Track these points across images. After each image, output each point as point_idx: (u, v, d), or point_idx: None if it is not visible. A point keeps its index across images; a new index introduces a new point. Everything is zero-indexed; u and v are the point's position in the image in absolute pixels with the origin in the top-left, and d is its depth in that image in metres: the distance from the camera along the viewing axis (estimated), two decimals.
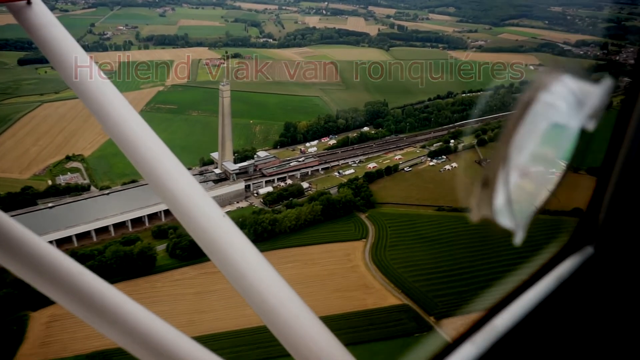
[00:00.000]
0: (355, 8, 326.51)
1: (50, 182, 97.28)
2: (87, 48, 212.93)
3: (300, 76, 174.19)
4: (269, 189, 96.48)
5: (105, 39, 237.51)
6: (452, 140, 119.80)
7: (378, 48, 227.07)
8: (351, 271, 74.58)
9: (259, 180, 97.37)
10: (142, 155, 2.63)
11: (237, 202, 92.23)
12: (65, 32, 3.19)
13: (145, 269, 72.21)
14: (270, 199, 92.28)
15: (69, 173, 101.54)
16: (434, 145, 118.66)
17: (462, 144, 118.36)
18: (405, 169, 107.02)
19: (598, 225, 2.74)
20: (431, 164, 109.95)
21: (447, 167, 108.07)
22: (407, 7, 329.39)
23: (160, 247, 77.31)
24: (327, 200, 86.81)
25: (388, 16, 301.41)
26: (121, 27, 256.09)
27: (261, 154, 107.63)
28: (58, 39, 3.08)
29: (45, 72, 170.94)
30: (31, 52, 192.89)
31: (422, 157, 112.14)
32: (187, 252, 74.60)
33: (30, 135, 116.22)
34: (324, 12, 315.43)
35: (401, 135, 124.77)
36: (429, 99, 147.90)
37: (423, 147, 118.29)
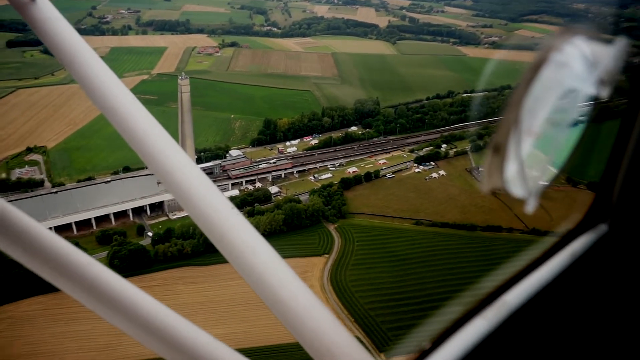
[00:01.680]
0: None
1: (4, 176, 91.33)
2: (83, 31, 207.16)
3: (296, 68, 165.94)
4: (235, 192, 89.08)
5: (104, 22, 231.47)
6: (444, 145, 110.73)
7: (385, 41, 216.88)
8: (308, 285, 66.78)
9: (225, 183, 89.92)
10: (150, 151, 2.51)
11: None
12: (70, 27, 3.05)
13: None
14: (235, 204, 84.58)
15: (26, 166, 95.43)
16: (424, 149, 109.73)
17: (455, 150, 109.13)
18: (387, 175, 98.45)
19: (612, 203, 2.70)
20: (417, 170, 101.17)
21: (434, 174, 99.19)
22: None
23: (101, 255, 70.54)
24: (291, 210, 78.99)
25: (401, 7, 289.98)
26: (122, 11, 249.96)
27: (234, 152, 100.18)
28: (63, 34, 2.99)
29: (32, 55, 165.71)
30: (22, 35, 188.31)
31: (408, 163, 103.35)
32: (126, 262, 67.98)
33: None
34: (335, 1, 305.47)
35: (390, 137, 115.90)
36: (427, 98, 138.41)
37: (412, 151, 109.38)
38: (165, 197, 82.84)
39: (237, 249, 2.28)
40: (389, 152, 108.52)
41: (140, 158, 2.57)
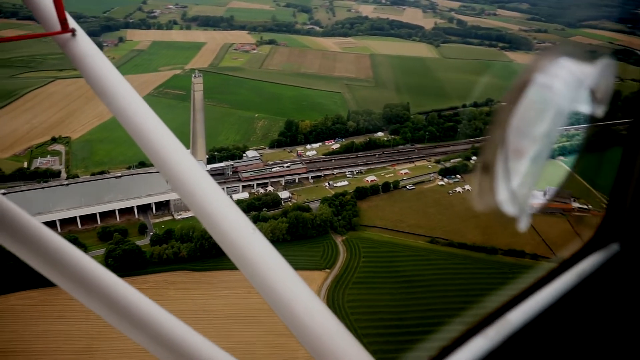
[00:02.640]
0: None
1: (25, 164, 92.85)
2: (131, 25, 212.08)
3: (330, 68, 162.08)
4: (244, 195, 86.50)
5: (152, 17, 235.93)
6: (474, 157, 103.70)
7: (428, 43, 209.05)
8: None
9: (235, 185, 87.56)
10: (178, 176, 2.77)
11: None
12: (107, 61, 3.32)
13: None
14: (240, 207, 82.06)
15: (48, 156, 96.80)
16: (451, 160, 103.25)
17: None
18: (407, 186, 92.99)
19: (624, 221, 2.62)
20: (440, 183, 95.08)
21: (458, 189, 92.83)
22: (475, 0, 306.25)
23: (98, 252, 69.57)
24: (296, 218, 75.38)
25: (451, 9, 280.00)
26: (170, 6, 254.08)
27: (250, 153, 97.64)
28: (101, 69, 3.24)
29: None
30: None
31: (432, 175, 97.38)
32: (120, 262, 66.56)
33: (28, 113, 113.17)
34: (383, 0, 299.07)
35: (417, 146, 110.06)
36: (463, 106, 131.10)
37: (438, 162, 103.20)
38: (172, 196, 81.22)
39: (256, 269, 2.36)
40: (413, 162, 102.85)
41: (169, 181, 2.78)
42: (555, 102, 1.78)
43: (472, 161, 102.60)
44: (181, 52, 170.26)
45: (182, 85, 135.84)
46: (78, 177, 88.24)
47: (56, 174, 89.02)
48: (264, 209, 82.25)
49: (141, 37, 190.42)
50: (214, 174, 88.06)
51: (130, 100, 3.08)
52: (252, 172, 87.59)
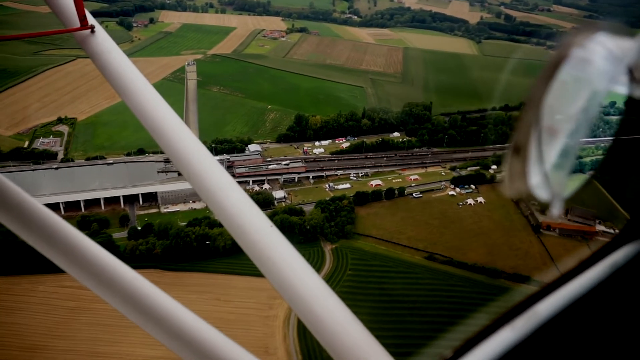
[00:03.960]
0: None
1: (26, 144, 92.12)
2: (167, 6, 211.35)
3: (358, 61, 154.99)
4: None
5: None
6: (493, 166, 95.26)
7: (469, 39, 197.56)
8: (262, 322, 58.45)
9: None
10: (193, 169, 2.81)
11: (192, 202, 79.29)
12: (126, 58, 3.32)
13: (32, 266, 62.12)
14: None
15: (51, 136, 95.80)
16: (468, 168, 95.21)
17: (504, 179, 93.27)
18: (414, 194, 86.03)
19: None
20: (451, 193, 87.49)
21: (470, 201, 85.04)
22: None
23: None
24: (282, 222, 70.33)
25: (501, 3, 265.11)
26: None
27: (252, 147, 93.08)
28: (119, 66, 3.26)
29: (107, 26, 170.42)
30: (108, 6, 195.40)
31: (443, 183, 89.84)
32: None
33: (42, 90, 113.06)
34: None
35: (434, 150, 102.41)
36: (493, 108, 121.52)
37: (453, 169, 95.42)
38: (159, 188, 78.04)
39: (274, 265, 2.40)
40: (425, 167, 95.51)
41: (186, 178, 2.83)
42: (592, 84, 1.67)
43: (491, 170, 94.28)
44: (209, 36, 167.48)
45: (201, 70, 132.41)
46: (72, 160, 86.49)
47: (53, 156, 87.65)
48: None
49: (173, 19, 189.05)
50: None
51: (148, 97, 3.07)
52: (247, 168, 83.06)
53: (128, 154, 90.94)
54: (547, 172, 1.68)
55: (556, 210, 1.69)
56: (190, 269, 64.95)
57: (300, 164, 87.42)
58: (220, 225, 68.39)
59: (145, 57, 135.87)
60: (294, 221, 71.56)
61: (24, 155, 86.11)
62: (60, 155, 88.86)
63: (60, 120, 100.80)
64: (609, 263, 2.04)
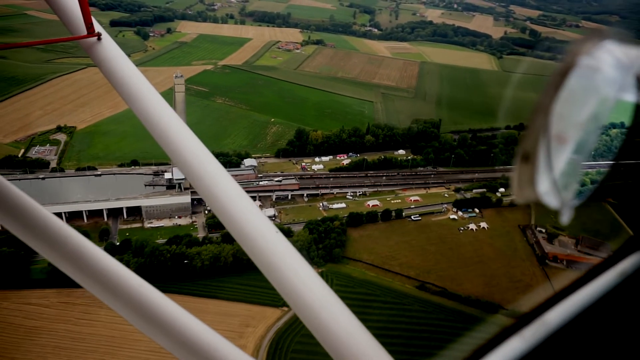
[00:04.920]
0: (494, 5, 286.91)
1: (22, 152, 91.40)
2: (187, 16, 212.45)
3: (371, 74, 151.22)
4: None
5: (211, 9, 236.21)
6: (501, 189, 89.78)
7: (491, 54, 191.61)
8: None
9: None
10: (199, 176, 2.83)
11: (178, 217, 76.46)
12: (132, 64, 3.35)
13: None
14: (213, 222, 74.89)
15: (48, 145, 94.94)
16: (474, 190, 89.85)
17: (513, 197, 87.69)
18: (412, 216, 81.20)
19: None
20: (453, 217, 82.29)
21: (472, 226, 79.72)
22: (559, 10, 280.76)
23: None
24: None
25: (528, 18, 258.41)
26: (232, 0, 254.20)
27: (248, 161, 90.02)
28: (125, 71, 3.29)
29: (124, 35, 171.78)
30: (128, 15, 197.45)
31: (445, 205, 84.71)
32: (54, 273, 61.18)
33: (46, 98, 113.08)
34: (455, 5, 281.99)
35: (440, 169, 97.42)
36: (507, 127, 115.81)
37: (457, 190, 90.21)
38: (144, 202, 75.52)
39: (280, 272, 2.37)
40: (428, 188, 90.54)
41: (192, 184, 2.86)
42: (602, 91, 1.65)
43: (498, 194, 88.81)
44: (223, 47, 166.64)
45: (209, 81, 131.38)
46: (63, 170, 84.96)
47: (45, 165, 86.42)
48: None
49: (190, 29, 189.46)
50: None
51: (154, 104, 3.10)
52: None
53: (121, 165, 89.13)
54: (556, 180, 1.65)
55: (565, 217, 1.64)
56: (164, 289, 60.54)
57: (293, 181, 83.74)
58: (199, 244, 65.27)
59: (155, 67, 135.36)
60: None
61: (15, 163, 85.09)
62: (53, 165, 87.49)
63: (59, 129, 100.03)
64: (618, 271, 2.00)
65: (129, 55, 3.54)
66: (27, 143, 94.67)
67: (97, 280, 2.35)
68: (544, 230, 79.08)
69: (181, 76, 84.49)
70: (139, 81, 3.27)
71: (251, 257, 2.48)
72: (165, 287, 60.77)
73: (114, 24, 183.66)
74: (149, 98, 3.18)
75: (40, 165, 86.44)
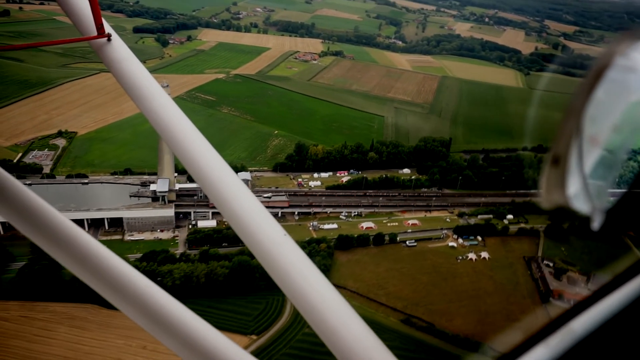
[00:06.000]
0: (528, 20, 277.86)
1: (19, 156, 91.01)
2: (211, 24, 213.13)
3: (386, 88, 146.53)
4: (212, 223, 75.89)
5: (236, 18, 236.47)
6: (509, 216, 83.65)
7: (518, 70, 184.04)
8: None
9: (205, 210, 77.30)
10: (208, 177, 2.82)
11: (160, 231, 73.72)
12: (141, 65, 3.35)
13: None
14: (194, 238, 71.80)
15: (46, 149, 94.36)
16: (479, 216, 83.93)
17: (522, 226, 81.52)
18: (407, 242, 76.06)
19: None
20: (452, 244, 76.69)
21: (472, 255, 73.93)
22: (598, 26, 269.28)
23: (18, 264, 63.25)
24: (240, 264, 63.01)
25: (563, 34, 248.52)
26: (258, 9, 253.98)
27: (242, 175, 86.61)
28: (134, 72, 3.30)
29: (144, 42, 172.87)
30: (152, 22, 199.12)
31: (445, 231, 79.17)
32: (29, 282, 59.35)
33: (53, 103, 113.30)
34: (486, 19, 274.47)
35: (446, 191, 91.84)
36: (524, 149, 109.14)
37: (461, 215, 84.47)
38: (125, 213, 73.11)
39: (289, 276, 2.39)
40: (429, 211, 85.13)
41: (200, 186, 2.81)
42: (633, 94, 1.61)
43: (505, 221, 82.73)
44: (240, 55, 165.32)
45: (218, 90, 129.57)
46: (54, 177, 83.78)
47: (38, 170, 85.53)
48: (224, 244, 71.07)
49: (211, 37, 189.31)
50: (183, 194, 78.80)
51: (163, 104, 3.11)
52: None
53: (114, 174, 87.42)
54: (586, 184, 1.61)
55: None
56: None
57: (283, 198, 79.94)
58: (173, 261, 61.95)
59: (166, 74, 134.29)
60: (255, 264, 63.77)
61: (8, 168, 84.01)
62: (47, 170, 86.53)
63: (60, 134, 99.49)
64: None
65: (144, 62, 2.75)
66: (26, 147, 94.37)
67: (104, 280, 2.33)
68: (551, 264, 72.60)
69: (167, 86, 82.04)
70: (147, 82, 3.24)
71: (259, 259, 2.45)
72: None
73: (137, 30, 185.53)
74: (158, 99, 3.16)
75: (33, 170, 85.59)
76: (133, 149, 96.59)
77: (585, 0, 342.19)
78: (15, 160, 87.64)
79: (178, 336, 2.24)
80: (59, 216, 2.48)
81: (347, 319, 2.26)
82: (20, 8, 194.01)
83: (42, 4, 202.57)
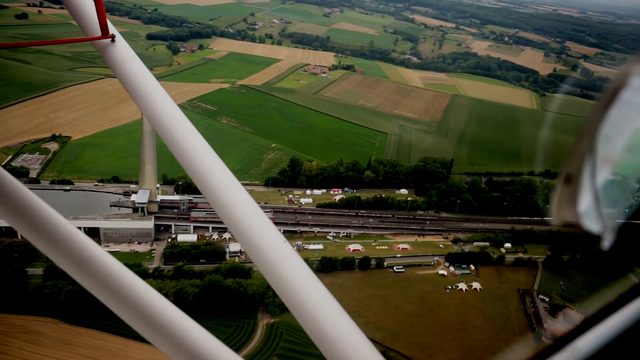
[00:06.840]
0: (549, 41, 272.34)
1: (8, 158, 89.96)
2: (226, 34, 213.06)
3: (394, 105, 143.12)
4: (193, 238, 73.14)
5: (252, 29, 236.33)
6: (507, 244, 79.12)
7: (533, 91, 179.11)
8: None
9: (187, 223, 74.63)
10: (208, 181, 2.80)
11: (137, 243, 71.20)
12: (144, 67, 3.39)
13: None
14: (171, 252, 69.04)
15: (37, 153, 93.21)
16: (474, 243, 79.54)
17: (520, 255, 76.91)
18: (395, 268, 72.07)
19: None
20: (442, 272, 72.42)
21: (463, 285, 69.58)
22: (620, 49, 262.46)
23: None
24: (211, 283, 59.90)
25: (583, 56, 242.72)
26: (275, 21, 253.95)
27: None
28: (138, 75, 3.32)
29: (154, 49, 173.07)
30: (166, 29, 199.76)
31: (436, 258, 74.97)
32: None
33: (53, 106, 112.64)
34: (506, 38, 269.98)
35: (443, 214, 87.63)
36: (530, 173, 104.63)
37: (456, 241, 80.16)
38: (102, 223, 70.84)
39: (286, 283, 2.39)
40: (422, 235, 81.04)
41: (200, 190, 2.80)
42: None
43: (502, 249, 78.26)
44: (248, 66, 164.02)
45: (220, 100, 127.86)
46: (39, 182, 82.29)
47: (24, 174, 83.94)
48: (201, 260, 68.18)
49: (223, 47, 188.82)
50: (166, 206, 76.30)
51: (164, 106, 3.13)
52: (205, 213, 73.61)
53: (100, 181, 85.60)
54: (597, 207, 1.60)
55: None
56: (88, 324, 55.89)
57: (268, 215, 76.62)
58: (142, 277, 59.10)
59: (171, 82, 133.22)
60: (228, 284, 60.67)
61: None
62: (33, 174, 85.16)
63: (53, 138, 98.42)
64: None
65: (151, 69, 3.62)
66: (17, 150, 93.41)
67: (102, 284, 2.33)
68: (547, 299, 67.81)
69: None
70: (150, 83, 3.24)
71: (258, 265, 2.46)
72: (91, 320, 55.13)
73: (150, 37, 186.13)
74: (159, 100, 3.15)
75: (19, 174, 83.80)
76: (125, 156, 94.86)
77: (609, 23, 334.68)
78: (2, 163, 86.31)
79: (175, 342, 2.19)
80: (60, 219, 2.40)
81: (345, 328, 2.26)
82: (39, 11, 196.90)
83: (61, 8, 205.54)
